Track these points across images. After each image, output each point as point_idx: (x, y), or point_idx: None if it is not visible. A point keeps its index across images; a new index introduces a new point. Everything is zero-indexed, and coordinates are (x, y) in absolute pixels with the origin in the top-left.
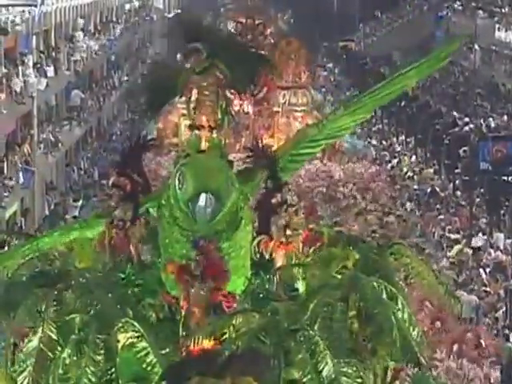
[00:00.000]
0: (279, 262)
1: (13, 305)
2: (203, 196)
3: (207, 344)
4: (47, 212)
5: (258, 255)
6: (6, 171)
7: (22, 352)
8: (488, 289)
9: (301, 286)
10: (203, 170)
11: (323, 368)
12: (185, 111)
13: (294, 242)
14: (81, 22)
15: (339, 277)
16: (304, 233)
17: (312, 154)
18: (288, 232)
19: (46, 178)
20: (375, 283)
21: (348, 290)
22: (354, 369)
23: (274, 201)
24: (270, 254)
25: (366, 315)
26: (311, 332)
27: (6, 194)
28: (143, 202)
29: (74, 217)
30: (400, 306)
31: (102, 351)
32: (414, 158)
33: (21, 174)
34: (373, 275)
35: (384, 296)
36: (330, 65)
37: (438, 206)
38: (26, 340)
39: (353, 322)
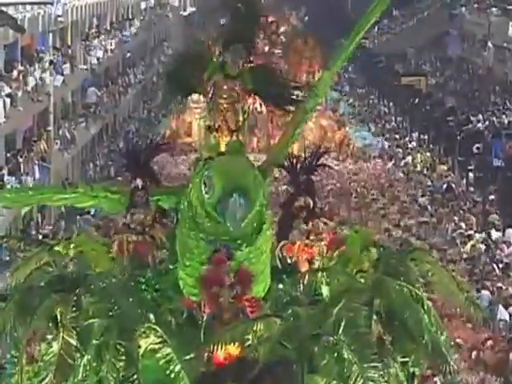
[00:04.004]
0: (303, 266)
1: (30, 310)
2: (233, 198)
3: (231, 350)
4: (63, 208)
5: (282, 260)
6: (22, 167)
7: (42, 359)
8: (501, 284)
9: (325, 290)
10: (230, 170)
11: (349, 374)
12: (199, 110)
13: (318, 245)
14: (96, 20)
15: (363, 280)
16: (328, 236)
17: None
18: (311, 237)
19: (61, 174)
20: (400, 287)
21: (373, 294)
22: (381, 373)
23: (297, 204)
24: (293, 259)
25: (393, 319)
26: (335, 337)
27: None
28: (154, 195)
29: (88, 212)
30: (426, 309)
31: (123, 357)
32: (427, 154)
33: (37, 171)
34: (396, 280)
35: (410, 300)
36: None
37: (451, 203)
38: (43, 346)
39: (377, 327)
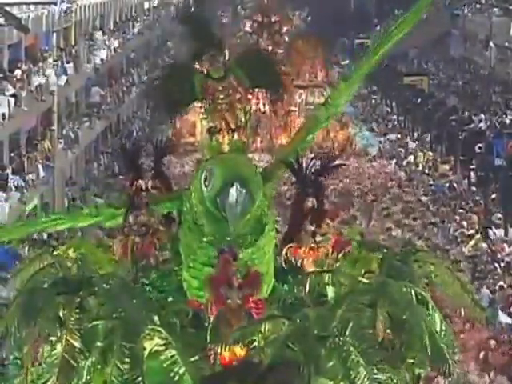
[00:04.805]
0: (308, 267)
1: (33, 312)
2: (233, 189)
3: (237, 352)
4: (67, 207)
5: (287, 262)
6: (26, 167)
7: (45, 362)
8: (502, 283)
9: (330, 291)
10: (231, 163)
11: (356, 376)
12: (202, 110)
13: (324, 247)
14: (100, 19)
15: (367, 281)
16: (333, 238)
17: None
18: (317, 238)
19: (65, 173)
20: (404, 288)
21: (376, 295)
22: (388, 375)
23: (305, 205)
24: (299, 261)
25: (397, 321)
26: (342, 339)
27: (25, 190)
28: (157, 202)
29: None
30: (430, 311)
31: (128, 359)
32: (429, 154)
33: (41, 170)
34: (400, 281)
35: (414, 301)
36: (347, 62)
37: (453, 202)
38: (47, 348)
39: (381, 328)
